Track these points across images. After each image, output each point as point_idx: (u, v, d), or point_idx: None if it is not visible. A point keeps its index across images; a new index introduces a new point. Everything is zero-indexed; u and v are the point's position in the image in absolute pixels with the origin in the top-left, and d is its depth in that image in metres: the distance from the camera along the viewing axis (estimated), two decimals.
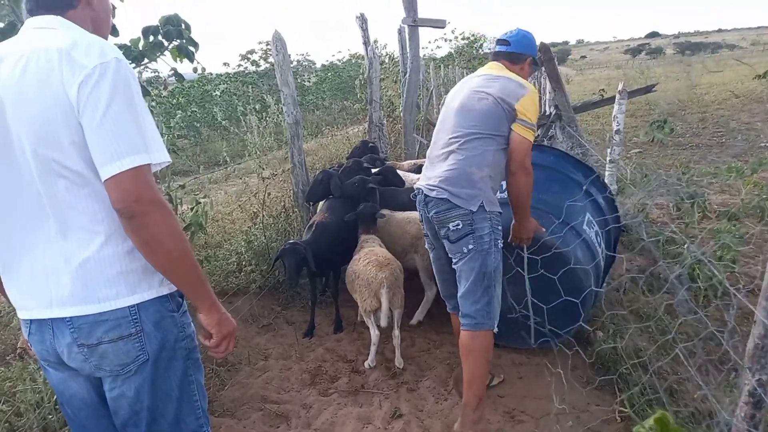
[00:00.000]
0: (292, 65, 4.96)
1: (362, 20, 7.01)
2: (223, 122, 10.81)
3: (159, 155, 1.28)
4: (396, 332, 3.33)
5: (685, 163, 8.10)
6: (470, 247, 2.47)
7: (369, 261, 3.33)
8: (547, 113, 6.60)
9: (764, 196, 5.24)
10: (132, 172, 1.22)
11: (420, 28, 7.08)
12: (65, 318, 1.32)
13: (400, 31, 7.78)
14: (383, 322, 3.21)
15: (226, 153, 5.70)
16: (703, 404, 2.18)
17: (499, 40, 2.77)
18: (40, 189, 1.28)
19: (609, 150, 4.28)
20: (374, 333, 3.29)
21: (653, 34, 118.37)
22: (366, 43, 7.00)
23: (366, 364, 3.34)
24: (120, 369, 1.37)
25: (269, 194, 4.76)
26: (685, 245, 3.30)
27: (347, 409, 2.93)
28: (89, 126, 1.22)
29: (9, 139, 1.27)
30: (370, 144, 5.54)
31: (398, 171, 5.07)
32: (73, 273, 1.30)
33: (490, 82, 2.59)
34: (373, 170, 4.43)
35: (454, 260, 2.57)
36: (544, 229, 2.83)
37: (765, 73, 14.64)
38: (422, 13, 6.96)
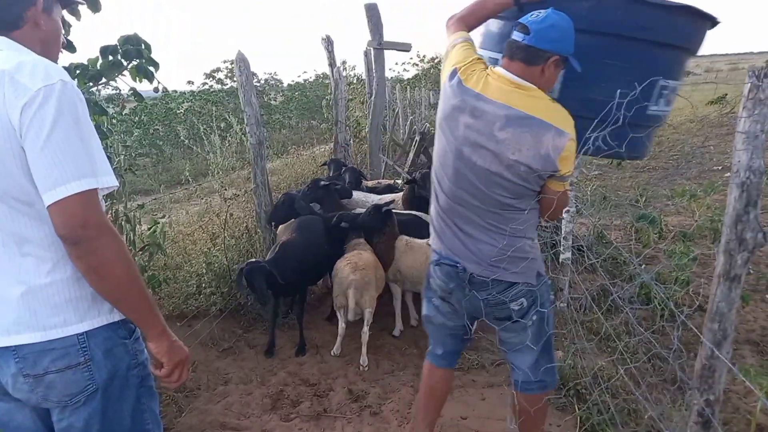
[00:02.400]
0: (259, 84, 4.96)
1: (328, 42, 7.06)
2: (186, 141, 10.67)
3: (107, 179, 1.25)
4: (365, 328, 3.57)
5: (642, 185, 8.37)
6: (534, 318, 2.12)
7: (349, 262, 3.62)
8: None
9: (716, 219, 5.44)
10: (78, 197, 1.18)
11: (387, 51, 7.18)
12: (9, 347, 1.27)
13: (366, 54, 7.87)
14: (350, 317, 3.52)
15: (189, 172, 5.61)
16: (657, 423, 2.23)
17: (518, 23, 1.89)
18: None
19: None
20: (341, 326, 3.67)
21: None
22: (332, 64, 7.05)
23: (332, 352, 3.71)
24: (68, 399, 1.32)
25: (231, 215, 4.70)
26: (637, 266, 3.39)
27: None
28: (32, 150, 1.18)
29: None
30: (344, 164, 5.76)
31: (360, 192, 5.17)
32: (18, 300, 1.26)
33: (517, 135, 1.84)
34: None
35: (508, 335, 2.21)
36: None
37: (718, 99, 15.34)
38: (389, 36, 7.06)
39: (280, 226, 4.34)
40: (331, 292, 3.84)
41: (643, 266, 4.58)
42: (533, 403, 2.23)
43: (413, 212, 4.49)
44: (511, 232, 1.99)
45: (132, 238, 3.30)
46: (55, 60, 1.45)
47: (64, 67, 3.16)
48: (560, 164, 1.84)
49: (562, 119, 1.84)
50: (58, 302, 1.28)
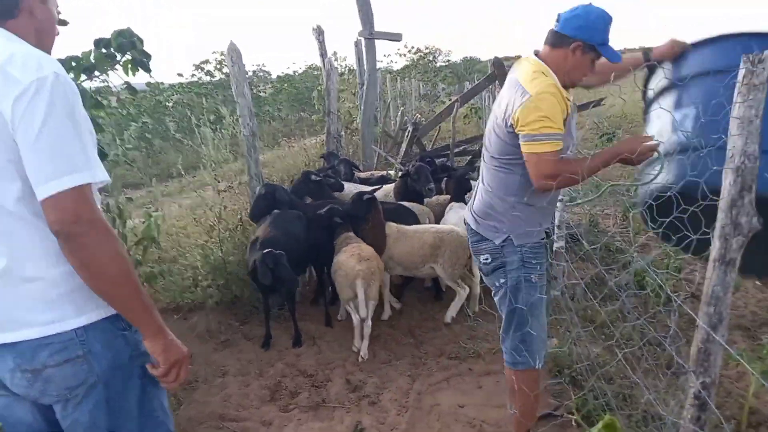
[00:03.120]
0: (247, 76, 4.93)
1: (319, 32, 7.03)
2: (176, 134, 10.56)
3: (99, 173, 1.23)
4: (368, 322, 3.54)
5: (633, 173, 8.41)
6: (501, 281, 2.29)
7: (352, 254, 3.61)
8: None
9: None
10: (71, 192, 1.17)
11: (377, 41, 7.16)
12: (5, 344, 1.27)
13: (357, 44, 7.84)
14: (362, 312, 3.49)
15: (180, 165, 5.57)
16: (653, 408, 2.27)
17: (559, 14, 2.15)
18: None
19: None
20: (355, 318, 3.57)
21: None
22: (323, 55, 7.02)
23: (355, 347, 3.62)
24: (68, 393, 1.31)
25: (225, 207, 4.69)
26: (632, 253, 3.42)
27: (308, 424, 2.90)
28: (25, 143, 1.16)
29: None
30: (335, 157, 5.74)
31: (352, 184, 5.15)
32: (14, 296, 1.25)
33: (504, 96, 2.17)
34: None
35: (493, 293, 2.40)
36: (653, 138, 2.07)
37: None
38: (378, 26, 7.04)
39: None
40: (317, 283, 3.85)
41: (636, 254, 4.63)
42: (508, 374, 2.43)
43: (401, 203, 4.52)
44: (490, 189, 2.26)
45: (122, 231, 3.29)
46: (49, 50, 1.43)
47: (59, 60, 3.13)
48: (517, 118, 2.02)
49: (532, 83, 2.05)
50: (54, 297, 1.27)
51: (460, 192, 4.57)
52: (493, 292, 2.39)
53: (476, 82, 8.03)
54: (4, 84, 1.16)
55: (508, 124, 2.08)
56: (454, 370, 3.35)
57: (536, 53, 2.18)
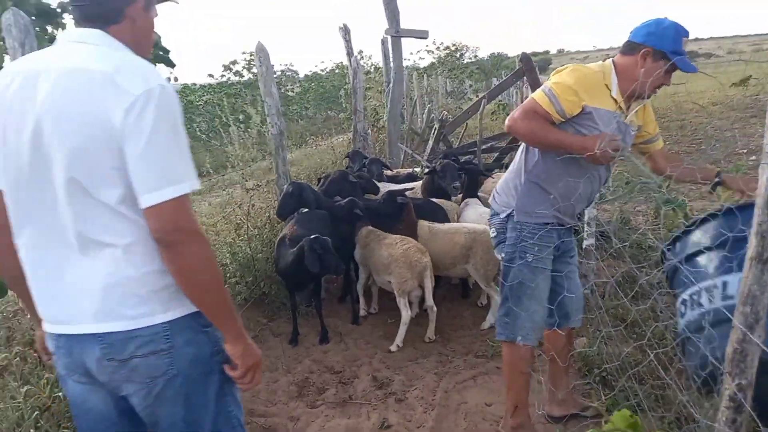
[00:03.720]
0: (275, 75, 4.97)
1: (345, 31, 7.04)
2: (204, 135, 10.69)
3: (196, 183, 1.29)
4: (433, 307, 3.67)
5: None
6: (501, 255, 2.44)
7: (408, 246, 3.63)
8: None
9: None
10: (173, 203, 1.23)
11: (403, 39, 7.15)
12: (96, 334, 1.33)
13: (384, 42, 7.84)
14: (429, 301, 3.61)
15: (209, 164, 5.66)
16: (686, 409, 2.21)
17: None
18: (73, 209, 1.27)
19: None
20: (406, 313, 3.60)
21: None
22: (349, 53, 7.03)
23: (393, 347, 3.61)
24: (150, 382, 1.37)
25: (253, 205, 4.74)
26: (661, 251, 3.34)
27: (335, 421, 2.92)
28: (132, 154, 1.22)
29: (42, 159, 1.26)
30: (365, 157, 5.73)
31: (381, 183, 5.14)
32: (105, 290, 1.31)
33: None
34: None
35: None
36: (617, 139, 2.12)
37: (741, 81, 14.92)
38: (405, 24, 7.03)
39: None
40: (344, 280, 3.87)
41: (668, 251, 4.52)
42: (503, 349, 2.51)
43: (430, 199, 4.49)
44: (512, 166, 2.43)
45: None
46: (145, 57, 1.46)
47: None
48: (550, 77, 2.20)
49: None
50: (143, 293, 1.32)
51: (473, 187, 4.53)
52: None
53: (503, 79, 7.95)
54: (115, 94, 1.21)
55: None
56: (481, 368, 3.33)
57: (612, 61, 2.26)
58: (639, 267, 3.90)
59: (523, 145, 2.40)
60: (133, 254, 1.30)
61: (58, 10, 2.71)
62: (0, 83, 1.30)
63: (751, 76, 15.23)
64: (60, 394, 2.41)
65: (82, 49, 1.30)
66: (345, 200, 3.98)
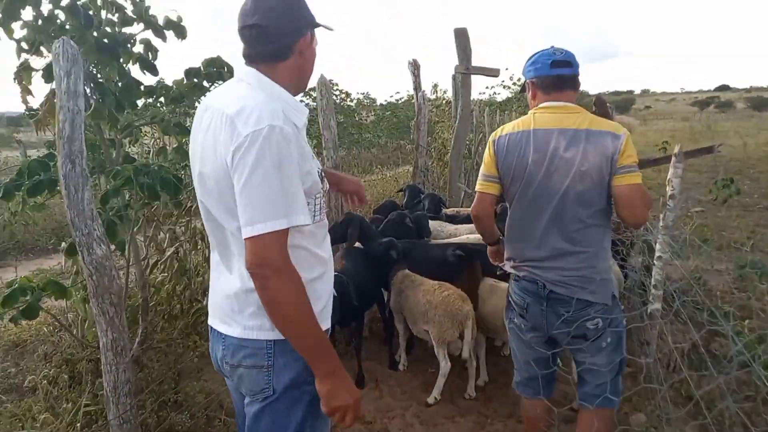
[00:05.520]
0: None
1: (414, 66, 7.03)
2: None
3: (297, 218, 1.32)
4: (472, 361, 3.44)
5: (751, 226, 7.58)
6: (608, 340, 2.21)
7: (448, 293, 3.37)
8: None
9: None
10: (261, 238, 1.28)
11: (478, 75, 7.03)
12: (221, 333, 1.50)
13: (455, 78, 7.76)
14: (465, 353, 3.31)
15: None
16: None
17: (554, 61, 2.16)
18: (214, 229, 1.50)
19: (662, 215, 3.98)
20: (445, 365, 3.37)
21: (723, 87, 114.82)
22: (417, 88, 7.00)
23: (430, 399, 3.42)
24: (252, 395, 1.48)
25: None
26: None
27: None
28: (236, 189, 1.31)
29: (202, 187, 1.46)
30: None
31: (437, 221, 4.94)
32: (233, 295, 1.45)
33: (584, 150, 2.07)
34: None
35: (582, 356, 2.28)
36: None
37: None
38: (481, 60, 6.91)
39: None
40: (358, 354, 3.70)
41: (747, 322, 4.07)
42: (601, 417, 2.29)
43: None
44: (592, 253, 2.15)
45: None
46: (304, 87, 1.59)
47: (149, 87, 3.30)
48: (621, 159, 2.03)
49: (614, 124, 2.12)
50: (256, 309, 1.42)
51: None
52: (582, 356, 2.31)
53: None
54: (230, 135, 1.31)
55: (615, 159, 2.05)
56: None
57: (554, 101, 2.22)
58: (712, 335, 3.51)
59: (596, 225, 2.15)
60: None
61: (120, 47, 2.80)
62: (198, 110, 1.52)
63: None
64: (79, 424, 2.38)
65: (235, 87, 1.44)
66: (384, 240, 3.80)
